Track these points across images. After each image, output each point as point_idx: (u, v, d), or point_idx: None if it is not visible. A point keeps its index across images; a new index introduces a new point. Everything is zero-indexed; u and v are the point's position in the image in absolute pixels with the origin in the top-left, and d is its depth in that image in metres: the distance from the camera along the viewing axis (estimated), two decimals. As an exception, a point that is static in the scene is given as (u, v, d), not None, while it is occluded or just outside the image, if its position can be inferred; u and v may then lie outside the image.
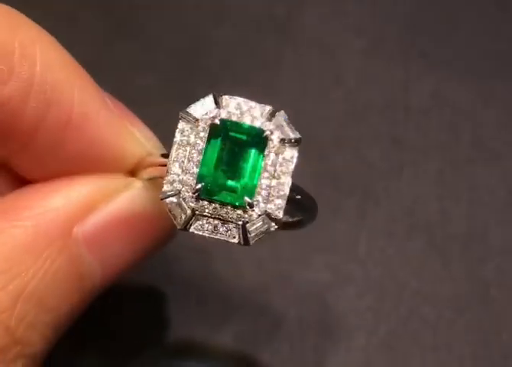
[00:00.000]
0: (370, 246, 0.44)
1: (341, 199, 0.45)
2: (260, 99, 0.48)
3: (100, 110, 0.30)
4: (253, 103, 0.29)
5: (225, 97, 0.29)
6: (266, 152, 0.28)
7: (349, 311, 0.42)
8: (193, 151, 0.28)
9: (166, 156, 0.30)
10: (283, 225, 0.29)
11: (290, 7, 0.51)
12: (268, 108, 0.29)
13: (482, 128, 0.47)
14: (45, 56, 0.29)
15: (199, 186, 0.28)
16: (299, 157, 0.28)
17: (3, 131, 0.29)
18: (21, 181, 0.32)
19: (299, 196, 0.29)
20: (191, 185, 0.28)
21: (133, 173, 0.32)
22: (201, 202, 0.28)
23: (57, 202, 0.29)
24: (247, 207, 0.28)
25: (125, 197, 0.31)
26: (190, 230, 0.28)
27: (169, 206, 0.28)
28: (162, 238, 0.33)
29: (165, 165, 0.29)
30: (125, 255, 0.31)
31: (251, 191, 0.28)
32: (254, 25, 0.50)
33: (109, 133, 0.30)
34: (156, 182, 0.31)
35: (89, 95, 0.30)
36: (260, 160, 0.28)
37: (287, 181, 0.28)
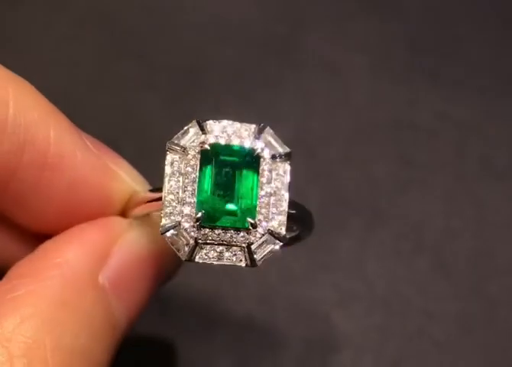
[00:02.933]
0: (376, 264, 0.44)
1: (348, 217, 0.45)
2: (263, 119, 0.48)
3: (77, 150, 0.30)
4: (238, 124, 0.28)
5: (209, 122, 0.28)
6: (260, 170, 0.28)
7: (355, 330, 0.42)
8: (187, 181, 0.28)
9: (155, 190, 0.30)
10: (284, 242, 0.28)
11: (293, 26, 0.51)
12: (253, 126, 0.28)
13: (489, 147, 0.47)
14: (18, 99, 0.28)
15: (199, 214, 0.27)
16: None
17: None
18: (15, 229, 0.32)
19: (293, 211, 0.29)
20: (190, 215, 0.27)
21: (123, 212, 0.32)
22: (203, 230, 0.28)
23: (79, 255, 0.29)
24: (251, 228, 0.28)
25: (131, 238, 0.30)
26: (196, 260, 0.28)
27: (170, 239, 0.28)
28: (171, 269, 0.33)
29: (154, 200, 0.29)
30: (144, 293, 0.31)
31: (252, 211, 0.28)
32: (256, 44, 0.50)
33: (89, 173, 0.30)
34: (149, 218, 0.31)
35: (65, 135, 0.29)
36: (255, 179, 0.28)
37: (285, 196, 0.28)
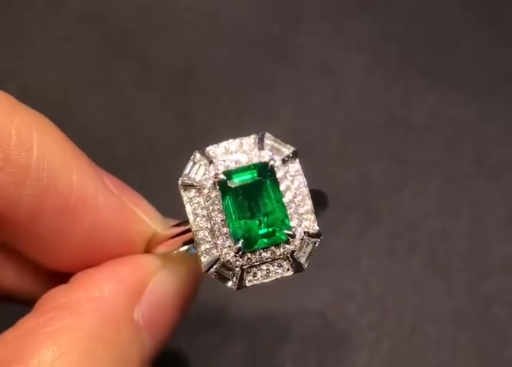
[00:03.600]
0: (371, 263, 0.44)
1: (342, 216, 0.45)
2: (258, 118, 0.49)
3: (99, 192, 0.30)
4: (237, 140, 0.28)
5: (210, 148, 0.28)
6: (278, 179, 0.28)
7: (351, 328, 0.42)
8: (212, 214, 0.27)
9: (176, 226, 0.30)
10: None
11: (286, 25, 0.51)
12: (252, 137, 0.28)
13: (482, 145, 0.48)
14: (42, 142, 0.28)
15: (239, 244, 0.27)
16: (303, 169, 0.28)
17: (1, 218, 0.28)
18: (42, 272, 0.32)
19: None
20: (229, 246, 0.27)
21: (146, 252, 0.32)
22: (246, 256, 0.28)
23: (114, 290, 0.29)
24: (290, 239, 0.28)
25: (164, 275, 0.30)
26: (247, 285, 0.28)
27: (215, 275, 0.28)
28: (192, 300, 0.33)
29: (180, 234, 0.29)
30: (170, 327, 0.31)
31: (285, 222, 0.28)
32: (251, 44, 0.50)
33: (110, 215, 0.30)
34: (172, 256, 0.31)
35: (87, 178, 0.29)
36: (275, 189, 0.28)
37: (307, 194, 0.28)
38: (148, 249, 0.31)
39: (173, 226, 0.31)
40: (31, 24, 0.51)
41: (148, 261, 0.31)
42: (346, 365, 0.41)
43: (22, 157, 0.28)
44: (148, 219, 0.31)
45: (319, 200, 0.29)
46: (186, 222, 0.28)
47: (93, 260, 0.30)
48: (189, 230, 0.28)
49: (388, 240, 0.45)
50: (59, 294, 0.29)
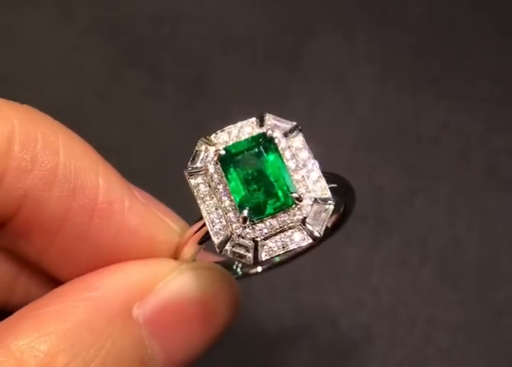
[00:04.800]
0: (383, 273, 0.44)
1: (353, 226, 0.45)
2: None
3: (126, 197, 0.30)
4: (238, 124, 0.28)
5: (213, 136, 0.28)
6: (280, 150, 0.27)
7: (363, 338, 0.42)
8: (219, 192, 0.27)
9: (196, 222, 0.29)
10: (335, 209, 0.28)
11: (299, 36, 0.51)
12: (253, 118, 0.28)
13: (493, 156, 0.48)
14: (67, 147, 0.29)
15: (245, 213, 0.27)
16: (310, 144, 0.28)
17: (29, 222, 0.29)
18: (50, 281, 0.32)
19: (334, 185, 0.29)
20: (237, 218, 0.27)
21: (174, 258, 0.31)
22: (255, 227, 0.27)
23: (116, 283, 0.29)
24: (298, 202, 0.27)
25: (178, 280, 0.30)
26: (264, 259, 0.27)
27: (229, 253, 0.27)
28: (223, 321, 0.31)
29: (198, 230, 0.29)
30: (187, 341, 0.30)
31: (291, 187, 0.27)
32: (263, 54, 0.51)
33: (137, 220, 0.30)
34: (200, 263, 0.30)
35: (113, 183, 0.29)
36: (279, 160, 0.27)
37: (315, 164, 0.28)
38: (175, 257, 0.31)
39: (191, 226, 0.30)
40: (44, 33, 0.51)
41: (164, 264, 0.30)
42: (357, 374, 0.42)
43: (49, 159, 0.28)
44: (176, 227, 0.31)
45: (341, 188, 0.29)
46: (202, 217, 0.28)
47: None
48: (205, 224, 0.28)
49: (399, 250, 0.45)
50: (63, 286, 0.29)
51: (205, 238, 0.29)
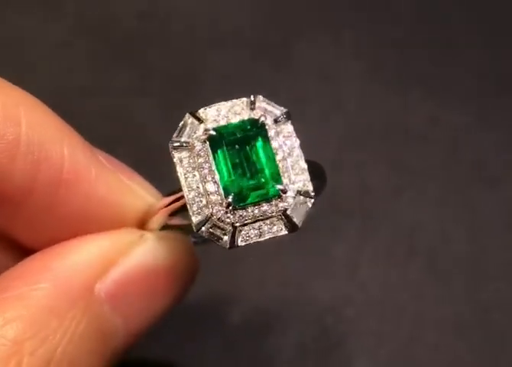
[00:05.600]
0: (370, 269, 0.44)
1: (341, 222, 0.45)
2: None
3: (92, 166, 0.29)
4: (228, 102, 0.28)
5: (201, 111, 0.28)
6: (269, 137, 0.27)
7: (349, 334, 0.42)
8: (203, 172, 0.27)
9: (170, 194, 0.29)
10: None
11: (286, 32, 0.51)
12: (244, 99, 0.28)
13: (481, 152, 0.48)
14: (30, 117, 0.28)
15: (229, 199, 0.27)
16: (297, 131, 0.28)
17: None
18: (21, 251, 0.31)
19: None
20: (220, 202, 0.27)
21: (141, 226, 0.31)
22: (237, 213, 0.27)
23: (74, 260, 0.28)
24: (282, 194, 0.27)
25: (141, 250, 0.30)
26: (239, 244, 0.27)
27: (207, 233, 0.27)
28: (183, 288, 0.32)
29: (173, 202, 0.28)
30: (148, 310, 0.30)
31: (277, 178, 0.27)
32: (250, 51, 0.51)
33: (105, 189, 0.30)
34: (163, 234, 0.30)
35: (78, 152, 0.29)
36: (267, 147, 0.28)
37: (300, 154, 0.28)
38: (143, 223, 0.31)
39: (165, 196, 0.30)
40: (31, 29, 0.51)
41: (126, 235, 0.30)
42: (344, 370, 0.42)
43: (11, 131, 0.28)
44: (143, 192, 0.31)
45: (316, 173, 0.29)
46: (179, 189, 0.28)
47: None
48: (180, 198, 0.28)
49: (387, 246, 0.45)
50: (20, 265, 0.29)
51: (178, 212, 0.29)
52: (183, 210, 0.28)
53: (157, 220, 0.30)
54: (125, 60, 0.50)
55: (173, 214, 0.29)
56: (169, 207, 0.29)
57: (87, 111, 0.49)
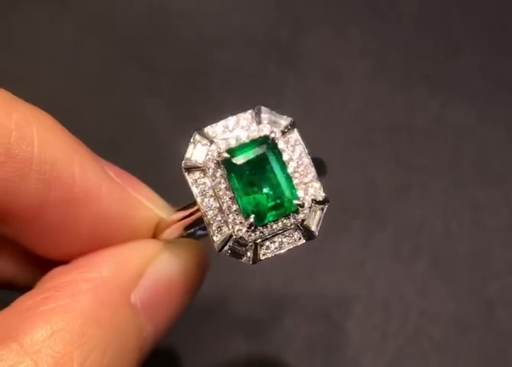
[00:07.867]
0: (376, 266, 0.44)
1: (347, 219, 0.46)
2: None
3: (102, 183, 0.30)
4: (234, 117, 0.28)
5: (208, 128, 0.28)
6: (280, 151, 0.28)
7: (356, 330, 0.43)
8: (221, 192, 0.27)
9: (182, 210, 0.30)
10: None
11: (293, 31, 0.51)
12: (249, 112, 0.29)
13: (486, 150, 0.48)
14: (42, 136, 0.28)
15: (251, 219, 0.27)
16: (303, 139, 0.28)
17: (5, 213, 0.28)
18: (32, 257, 0.32)
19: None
20: (241, 222, 0.27)
21: (153, 238, 0.32)
22: (258, 230, 0.27)
23: (109, 271, 0.29)
24: (299, 208, 0.28)
25: (165, 259, 0.30)
26: (262, 259, 0.28)
27: (229, 252, 0.27)
28: (197, 290, 0.33)
29: (186, 217, 0.29)
30: (172, 316, 0.31)
31: (293, 193, 0.28)
32: (257, 49, 0.51)
33: (115, 205, 0.30)
34: (177, 241, 0.31)
35: (89, 169, 0.30)
36: (279, 161, 0.28)
37: (309, 162, 0.28)
38: (155, 236, 0.31)
39: (178, 210, 0.31)
40: (41, 27, 0.51)
41: (149, 245, 0.31)
42: (350, 366, 0.42)
43: (23, 151, 0.28)
44: (152, 206, 0.31)
45: (319, 168, 0.29)
46: (192, 204, 0.28)
47: (99, 249, 0.31)
48: (194, 212, 0.28)
49: (393, 244, 0.45)
50: (57, 274, 0.29)
51: (194, 227, 0.29)
52: (195, 225, 0.29)
53: (172, 233, 0.31)
54: (134, 59, 0.50)
55: (188, 229, 0.30)
56: (184, 221, 0.30)
57: (95, 108, 0.49)
